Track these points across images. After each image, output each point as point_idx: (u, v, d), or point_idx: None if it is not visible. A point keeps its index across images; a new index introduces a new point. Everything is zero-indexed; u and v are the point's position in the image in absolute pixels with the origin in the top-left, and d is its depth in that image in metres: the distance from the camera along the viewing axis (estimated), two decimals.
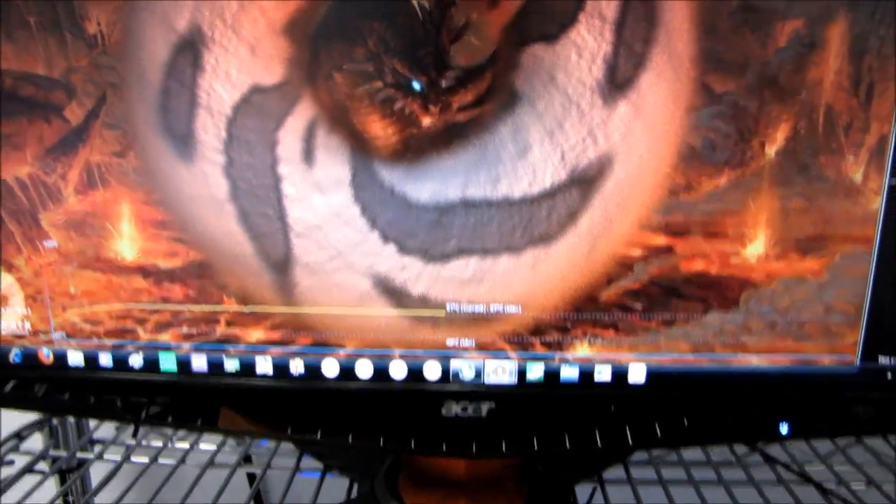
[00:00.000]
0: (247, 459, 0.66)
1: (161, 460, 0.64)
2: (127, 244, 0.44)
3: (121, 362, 0.46)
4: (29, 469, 0.62)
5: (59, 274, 0.45)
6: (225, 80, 0.40)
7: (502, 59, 0.39)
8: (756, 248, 0.42)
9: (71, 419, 0.71)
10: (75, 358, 0.47)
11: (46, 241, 0.45)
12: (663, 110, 0.39)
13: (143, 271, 0.44)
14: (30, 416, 0.69)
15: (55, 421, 0.70)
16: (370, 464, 0.57)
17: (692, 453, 0.65)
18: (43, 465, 0.65)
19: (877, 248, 0.42)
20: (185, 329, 0.45)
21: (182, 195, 0.42)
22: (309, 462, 0.62)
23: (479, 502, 0.52)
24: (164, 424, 0.50)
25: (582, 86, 0.38)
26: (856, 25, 0.38)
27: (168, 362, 0.46)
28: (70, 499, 0.71)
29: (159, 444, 0.66)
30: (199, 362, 0.46)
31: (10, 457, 0.63)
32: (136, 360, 0.46)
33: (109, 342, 0.46)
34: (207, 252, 0.43)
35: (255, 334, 0.45)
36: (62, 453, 0.67)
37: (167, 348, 0.46)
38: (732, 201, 0.41)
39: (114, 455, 0.66)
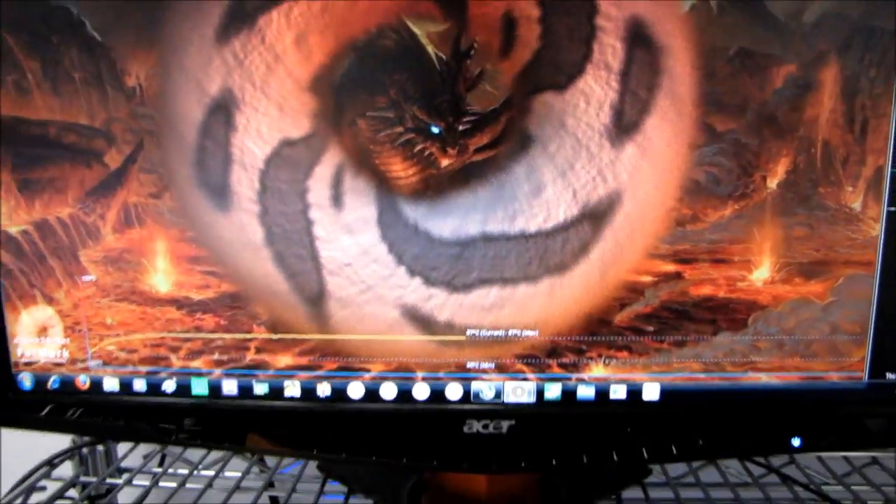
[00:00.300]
0: (271, 485, 0.72)
1: (188, 485, 0.70)
2: (161, 278, 0.50)
3: (154, 387, 0.53)
4: (60, 496, 0.68)
5: (97, 306, 0.51)
6: (256, 137, 0.46)
7: (515, 105, 0.45)
8: (762, 273, 0.48)
9: (100, 448, 0.77)
10: (111, 384, 0.53)
11: (85, 276, 0.51)
12: (668, 149, 0.45)
13: (177, 303, 0.51)
14: (61, 445, 0.75)
15: (85, 450, 0.76)
16: (393, 486, 0.63)
17: (709, 475, 0.69)
18: (73, 492, 0.71)
19: (879, 272, 0.48)
20: (216, 356, 0.52)
21: (218, 239, 0.48)
22: (333, 487, 0.69)
23: None
24: (194, 445, 0.57)
25: (591, 130, 0.45)
26: (847, 68, 0.44)
27: (200, 387, 0.52)
28: None
29: (185, 472, 0.72)
30: (230, 387, 0.52)
31: (43, 483, 0.69)
32: (169, 386, 0.53)
33: (144, 369, 0.52)
34: (242, 285, 0.49)
35: (284, 360, 0.51)
36: (92, 479, 0.73)
37: (199, 374, 0.52)
38: (737, 230, 0.47)
39: (142, 482, 0.72)
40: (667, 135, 0.45)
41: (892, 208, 0.47)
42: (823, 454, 0.73)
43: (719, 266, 0.48)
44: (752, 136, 0.45)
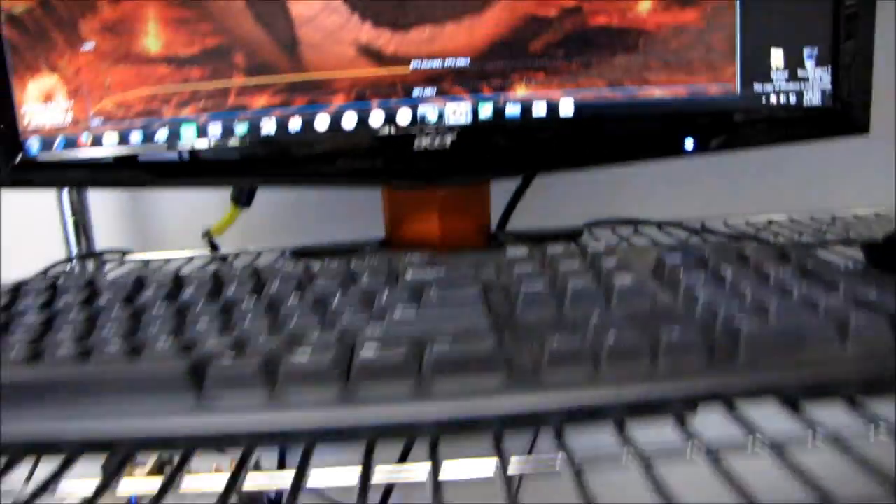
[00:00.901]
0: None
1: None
2: (152, 39, 0.66)
3: (149, 137, 0.69)
4: None
5: (96, 70, 0.67)
6: None
7: None
8: (645, 4, 0.70)
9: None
10: (110, 138, 0.68)
11: (85, 45, 0.67)
12: None
13: (167, 59, 0.67)
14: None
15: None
16: (360, 248, 0.81)
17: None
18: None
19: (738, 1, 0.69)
20: (202, 103, 0.68)
21: (204, 6, 0.66)
22: None
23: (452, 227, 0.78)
24: (185, 185, 0.76)
25: None
26: None
27: (189, 132, 0.69)
28: None
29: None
30: (215, 129, 0.68)
31: None
32: (161, 135, 0.67)
33: (139, 121, 0.69)
34: (225, 39, 0.66)
35: (260, 101, 0.68)
36: None
37: (188, 120, 0.68)
38: None
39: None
40: None
41: None
42: (728, 219, 0.96)
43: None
44: None
